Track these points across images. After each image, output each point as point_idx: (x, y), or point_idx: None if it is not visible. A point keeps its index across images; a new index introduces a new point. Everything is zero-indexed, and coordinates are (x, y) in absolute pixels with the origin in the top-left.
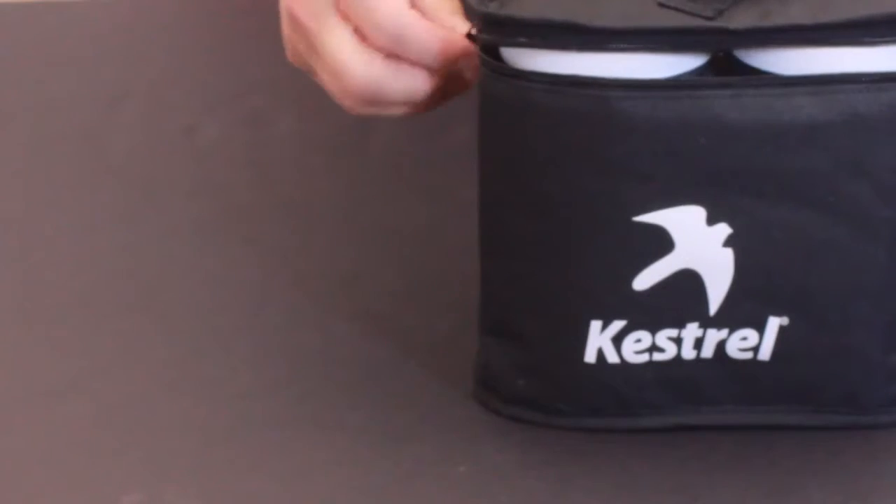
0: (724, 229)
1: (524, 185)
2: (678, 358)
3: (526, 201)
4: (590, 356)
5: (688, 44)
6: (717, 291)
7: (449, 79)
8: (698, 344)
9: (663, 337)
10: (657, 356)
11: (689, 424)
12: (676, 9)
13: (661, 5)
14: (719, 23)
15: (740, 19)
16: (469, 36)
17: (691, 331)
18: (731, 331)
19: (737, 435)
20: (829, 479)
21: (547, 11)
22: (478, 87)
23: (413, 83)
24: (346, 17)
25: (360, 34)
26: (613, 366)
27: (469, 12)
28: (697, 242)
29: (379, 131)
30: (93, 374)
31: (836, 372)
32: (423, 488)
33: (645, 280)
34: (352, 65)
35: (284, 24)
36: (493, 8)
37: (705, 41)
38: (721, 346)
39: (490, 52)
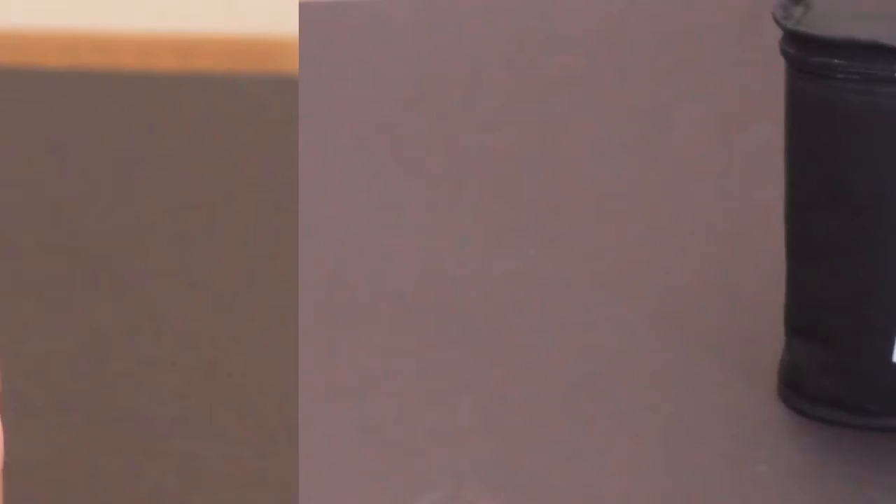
0: None
1: (833, 184)
2: None
3: (835, 201)
4: None
5: None
6: None
7: None
8: None
9: None
10: None
11: None
12: None
13: None
14: None
15: None
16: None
17: None
18: None
19: None
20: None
21: (852, 29)
22: (785, 86)
23: None
24: None
25: None
26: None
27: (776, 22)
28: None
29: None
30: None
31: None
32: (721, 488)
33: None
34: None
35: None
36: (797, 14)
37: None
38: None
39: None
